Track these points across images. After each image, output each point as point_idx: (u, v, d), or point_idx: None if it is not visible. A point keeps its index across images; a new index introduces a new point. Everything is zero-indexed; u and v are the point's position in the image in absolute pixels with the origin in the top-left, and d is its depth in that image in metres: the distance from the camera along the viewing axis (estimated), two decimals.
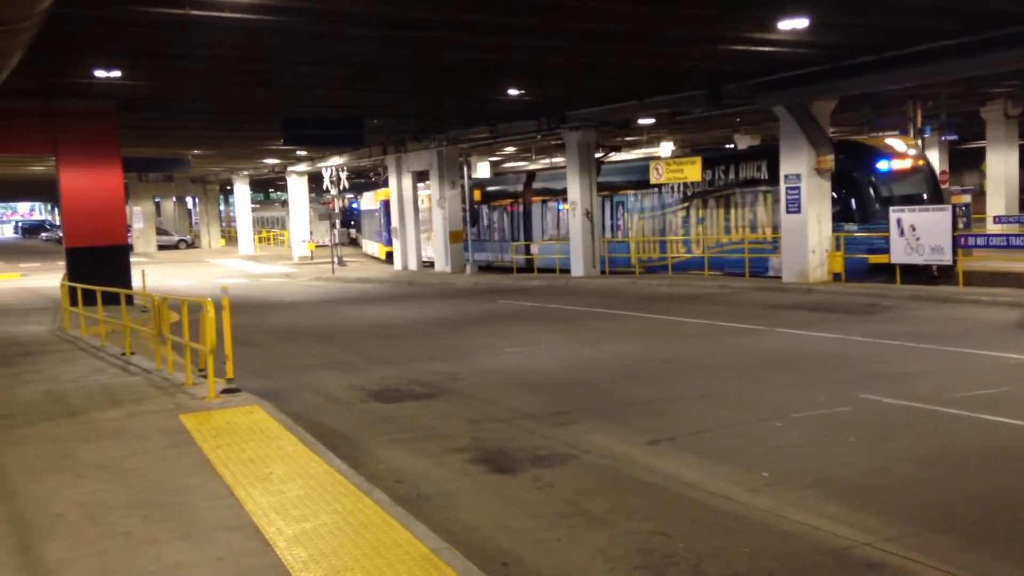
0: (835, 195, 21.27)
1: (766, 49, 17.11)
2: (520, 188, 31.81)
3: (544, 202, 30.67)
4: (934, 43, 16.83)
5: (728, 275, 23.62)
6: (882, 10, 14.57)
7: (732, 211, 24.22)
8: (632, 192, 27.42)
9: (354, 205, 55.82)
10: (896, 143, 22.15)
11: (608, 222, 28.38)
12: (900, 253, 18.96)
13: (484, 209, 33.35)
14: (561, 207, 29.52)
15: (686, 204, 25.63)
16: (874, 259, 19.94)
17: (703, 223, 25.12)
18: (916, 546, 5.31)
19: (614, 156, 30.99)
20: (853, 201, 21.43)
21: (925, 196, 21.47)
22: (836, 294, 18.98)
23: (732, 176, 24.18)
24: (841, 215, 21.38)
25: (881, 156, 21.56)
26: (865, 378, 10.21)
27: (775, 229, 22.54)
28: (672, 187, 25.86)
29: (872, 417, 8.47)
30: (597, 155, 31.50)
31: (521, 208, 31.60)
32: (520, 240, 31.33)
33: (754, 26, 15.52)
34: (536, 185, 31.24)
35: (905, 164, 21.71)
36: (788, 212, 21.12)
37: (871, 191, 21.40)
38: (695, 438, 7.96)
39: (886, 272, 19.52)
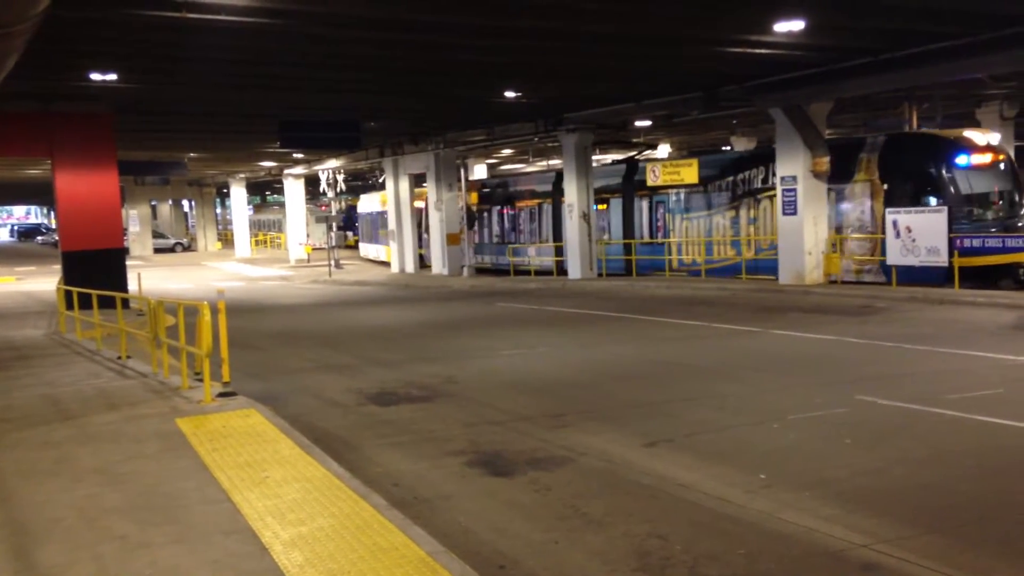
0: (907, 193, 19.79)
1: (763, 51, 17.14)
2: (548, 188, 30.06)
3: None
4: (930, 45, 16.86)
5: (726, 277, 23.41)
6: (878, 12, 14.59)
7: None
8: (672, 191, 25.77)
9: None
10: (975, 135, 20.41)
11: (644, 222, 26.90)
12: (896, 255, 18.99)
13: (507, 210, 32.11)
14: (594, 207, 28.12)
15: (736, 204, 23.81)
16: (957, 262, 17.99)
17: (755, 223, 23.23)
18: (913, 548, 5.31)
19: (649, 153, 29.59)
20: (929, 200, 19.50)
21: (1008, 192, 19.84)
22: (832, 296, 19.01)
23: None
24: None
25: (959, 150, 19.74)
26: (861, 379, 10.22)
27: (838, 230, 21.03)
28: (720, 185, 24.24)
29: (868, 419, 8.47)
30: (631, 153, 30.03)
31: (550, 208, 29.78)
32: (550, 241, 29.68)
33: (750, 28, 15.55)
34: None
35: (985, 158, 19.78)
36: (784, 214, 21.14)
37: (949, 188, 19.44)
38: (692, 440, 7.96)
39: (978, 277, 17.89)
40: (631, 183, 27.24)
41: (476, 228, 33.27)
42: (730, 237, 23.98)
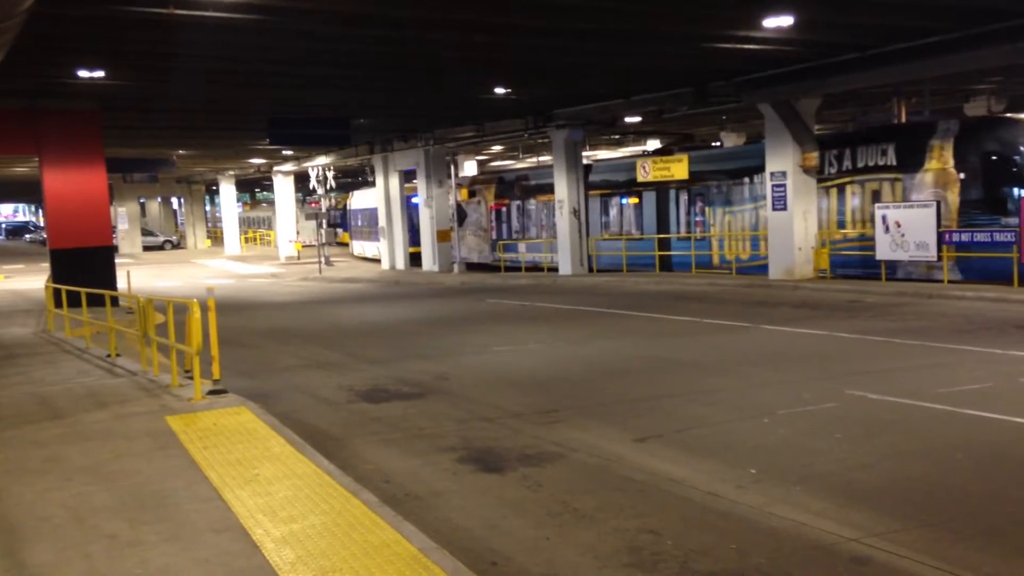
0: (987, 182, 18.35)
1: (752, 47, 17.16)
2: None
3: (604, 196, 27.82)
4: (918, 40, 16.93)
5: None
6: (866, 7, 14.63)
7: (847, 203, 20.68)
8: (715, 184, 24.29)
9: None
10: None
11: (682, 218, 25.58)
12: (885, 250, 19.06)
13: (528, 204, 30.62)
14: (625, 200, 27.22)
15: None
16: None
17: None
18: (902, 541, 5.34)
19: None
20: (1012, 190, 17.90)
21: None
22: (822, 291, 19.07)
23: (847, 163, 20.58)
24: (994, 206, 18.22)
25: None
26: (851, 374, 10.26)
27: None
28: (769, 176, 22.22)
29: (858, 413, 8.51)
30: (666, 143, 28.35)
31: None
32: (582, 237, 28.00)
33: (739, 24, 15.57)
34: (594, 178, 28.19)
35: None
36: (774, 209, 21.19)
37: None
38: (683, 435, 7.98)
39: None
40: None
41: (495, 223, 31.77)
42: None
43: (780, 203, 20.99)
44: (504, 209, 31.76)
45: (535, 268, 29.26)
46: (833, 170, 20.98)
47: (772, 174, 21.14)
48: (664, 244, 25.77)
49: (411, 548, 5.06)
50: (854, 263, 20.57)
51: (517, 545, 5.54)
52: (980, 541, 5.38)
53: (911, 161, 19.44)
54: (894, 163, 19.83)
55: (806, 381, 10.03)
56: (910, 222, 18.47)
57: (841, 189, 20.92)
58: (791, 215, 20.77)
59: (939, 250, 18.06)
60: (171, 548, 5.30)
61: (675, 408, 9.05)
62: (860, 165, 20.51)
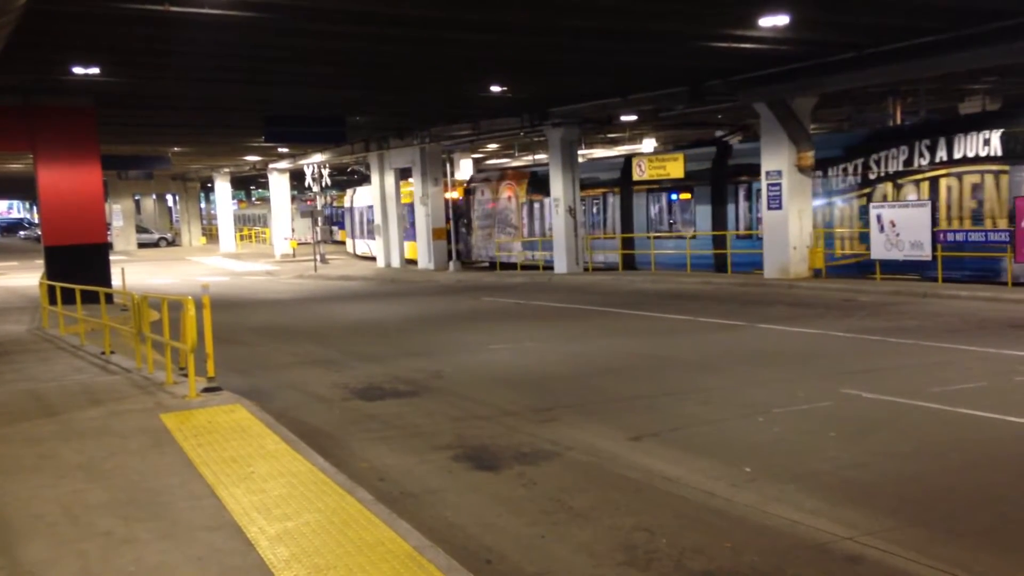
0: None
1: (748, 46, 17.17)
2: (616, 175, 27.19)
3: (650, 192, 26.38)
4: (913, 40, 16.95)
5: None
6: (862, 7, 14.65)
7: (941, 198, 18.69)
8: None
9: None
10: None
11: (740, 213, 23.79)
12: (880, 249, 19.10)
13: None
14: (674, 196, 25.76)
15: (867, 191, 20.26)
16: None
17: None
18: (896, 539, 5.35)
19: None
20: None
21: None
22: (817, 290, 19.10)
23: (942, 153, 18.67)
24: None
25: None
26: (845, 373, 10.28)
27: (1009, 220, 17.29)
28: (845, 168, 20.60)
29: (852, 412, 8.52)
30: (719, 133, 26.93)
31: (617, 198, 27.17)
32: (616, 233, 27.12)
33: (736, 23, 15.58)
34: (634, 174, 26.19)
35: None
36: (769, 208, 21.20)
37: None
38: (678, 434, 7.99)
39: None
40: (723, 168, 24.18)
41: (526, 220, 30.14)
42: (858, 229, 20.45)
43: (775, 202, 21.01)
44: (536, 205, 29.89)
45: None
46: (924, 161, 19.07)
47: (767, 173, 21.16)
48: (720, 242, 23.94)
49: (405, 546, 5.07)
50: (969, 265, 18.48)
51: (512, 543, 5.55)
52: (974, 540, 5.40)
53: (1020, 150, 17.51)
54: (999, 153, 17.74)
55: (801, 380, 10.05)
56: (904, 221, 18.50)
57: (934, 183, 18.92)
58: (786, 214, 20.79)
59: (933, 249, 18.10)
60: (165, 546, 5.30)
61: (670, 406, 9.06)
62: (957, 156, 18.48)
